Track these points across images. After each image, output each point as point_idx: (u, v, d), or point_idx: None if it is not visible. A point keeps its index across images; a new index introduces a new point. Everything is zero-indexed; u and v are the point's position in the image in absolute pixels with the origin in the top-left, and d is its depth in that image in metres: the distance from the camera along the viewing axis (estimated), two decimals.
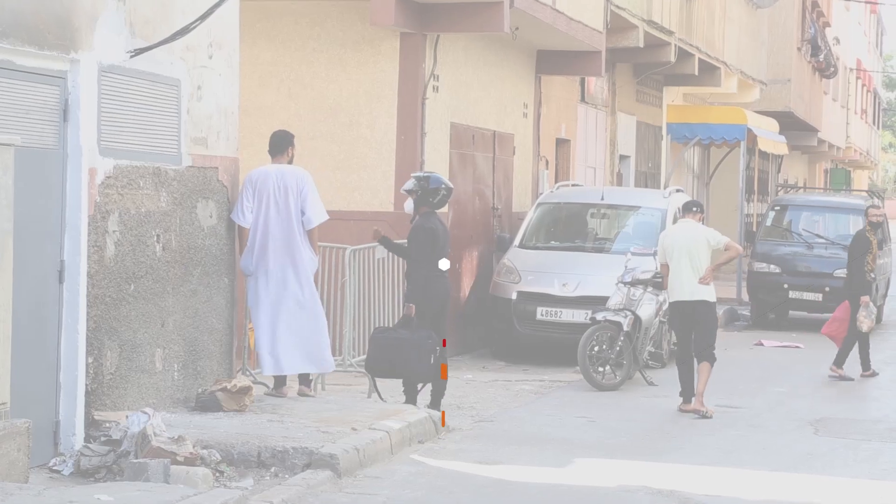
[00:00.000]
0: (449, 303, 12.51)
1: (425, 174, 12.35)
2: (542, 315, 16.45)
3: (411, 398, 12.18)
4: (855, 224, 22.86)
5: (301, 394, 11.82)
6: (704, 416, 13.04)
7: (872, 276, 16.61)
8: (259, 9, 15.45)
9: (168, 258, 10.62)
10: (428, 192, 12.09)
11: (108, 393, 9.91)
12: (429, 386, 12.27)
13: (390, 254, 15.09)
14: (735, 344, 19.99)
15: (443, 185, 12.13)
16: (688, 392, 13.41)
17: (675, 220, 17.66)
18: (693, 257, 13.36)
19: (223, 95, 11.40)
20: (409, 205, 12.18)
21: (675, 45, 23.10)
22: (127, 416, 9.41)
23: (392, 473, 9.91)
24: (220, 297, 11.38)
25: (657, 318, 15.47)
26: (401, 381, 12.27)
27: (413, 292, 11.99)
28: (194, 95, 10.94)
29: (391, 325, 12.95)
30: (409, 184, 12.18)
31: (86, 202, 9.54)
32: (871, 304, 16.38)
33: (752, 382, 15.89)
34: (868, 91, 56.03)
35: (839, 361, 16.32)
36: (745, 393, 14.97)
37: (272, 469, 9.54)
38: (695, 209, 13.81)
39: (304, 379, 11.92)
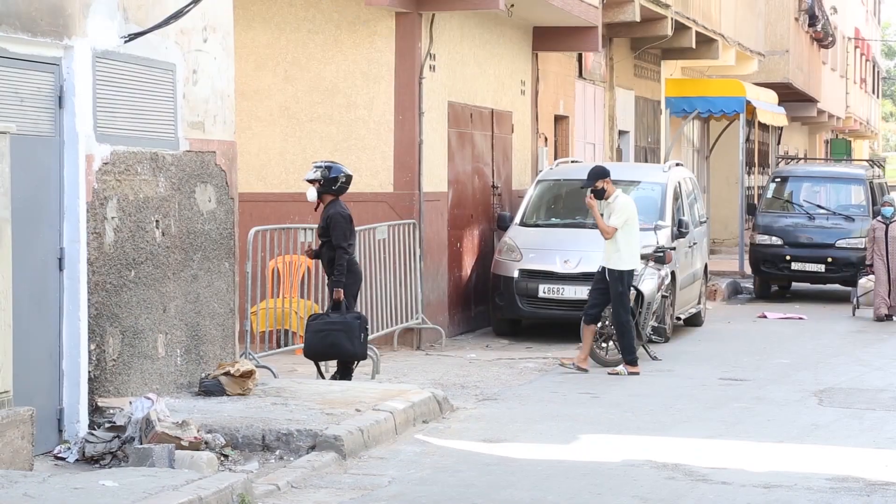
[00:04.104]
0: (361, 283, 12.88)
1: (326, 163, 12.42)
2: (544, 292, 16.43)
3: (346, 375, 12.25)
4: (856, 194, 22.84)
5: None
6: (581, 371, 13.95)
7: None
8: None
9: (168, 243, 10.60)
10: (330, 181, 12.20)
11: (112, 379, 9.91)
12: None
13: (391, 233, 15.08)
14: (738, 317, 20.00)
15: (342, 174, 12.25)
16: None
17: (675, 196, 17.67)
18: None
19: (219, 79, 11.37)
20: (311, 193, 12.26)
21: (672, 19, 23.03)
22: (130, 402, 9.41)
23: (397, 454, 9.91)
24: (221, 281, 11.37)
25: (659, 293, 15.46)
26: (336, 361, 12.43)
27: (340, 278, 12.08)
28: (190, 79, 10.91)
29: (324, 311, 13.00)
30: (312, 173, 12.28)
31: (84, 189, 9.53)
32: None
33: (755, 355, 15.89)
34: (867, 60, 55.87)
35: None
36: (748, 365, 14.97)
37: (277, 452, 9.54)
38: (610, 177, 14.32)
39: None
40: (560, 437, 10.71)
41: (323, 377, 12.46)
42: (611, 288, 13.97)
